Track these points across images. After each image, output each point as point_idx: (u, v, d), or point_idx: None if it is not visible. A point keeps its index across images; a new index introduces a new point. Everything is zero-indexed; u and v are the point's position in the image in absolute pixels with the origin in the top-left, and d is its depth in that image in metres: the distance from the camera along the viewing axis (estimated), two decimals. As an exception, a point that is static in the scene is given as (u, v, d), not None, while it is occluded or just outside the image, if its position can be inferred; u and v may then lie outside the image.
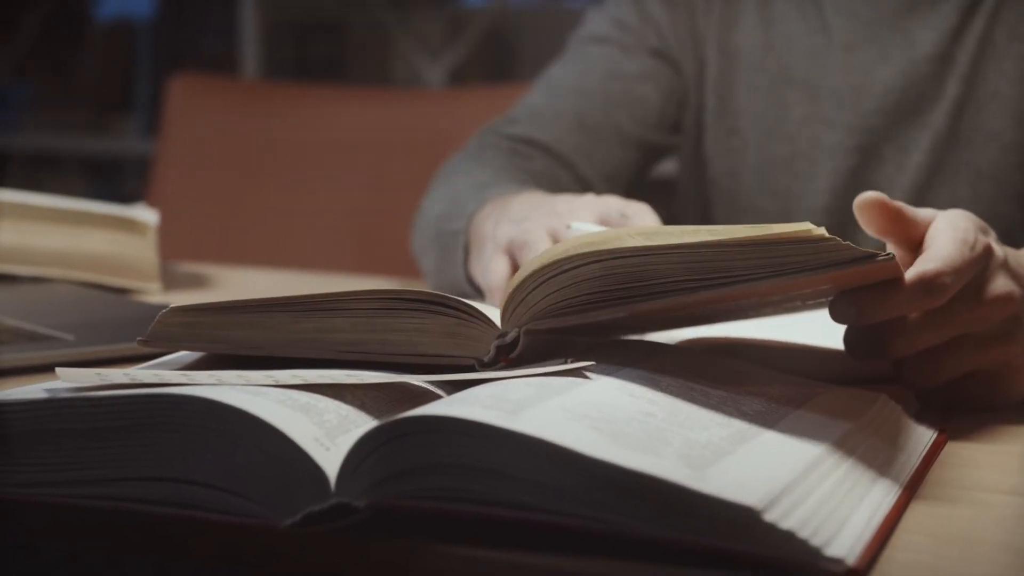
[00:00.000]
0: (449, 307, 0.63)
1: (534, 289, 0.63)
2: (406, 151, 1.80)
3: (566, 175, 1.20)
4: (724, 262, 0.60)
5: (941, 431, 0.68)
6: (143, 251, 1.19)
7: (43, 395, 0.57)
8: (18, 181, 1.36)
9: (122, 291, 1.17)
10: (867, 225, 0.70)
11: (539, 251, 0.85)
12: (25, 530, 0.57)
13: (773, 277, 0.60)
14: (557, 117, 1.21)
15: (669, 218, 1.33)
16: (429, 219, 1.10)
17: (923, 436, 0.66)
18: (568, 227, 0.85)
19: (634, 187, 1.30)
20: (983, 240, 0.70)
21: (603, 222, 0.88)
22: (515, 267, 0.88)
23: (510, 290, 0.64)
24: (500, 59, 2.75)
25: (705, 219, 1.27)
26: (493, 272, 0.89)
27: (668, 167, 1.51)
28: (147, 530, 0.54)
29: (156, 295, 1.17)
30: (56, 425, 0.56)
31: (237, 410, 0.53)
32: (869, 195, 0.69)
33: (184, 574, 0.55)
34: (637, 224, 0.87)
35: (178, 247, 1.48)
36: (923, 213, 0.71)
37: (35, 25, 3.09)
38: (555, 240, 0.86)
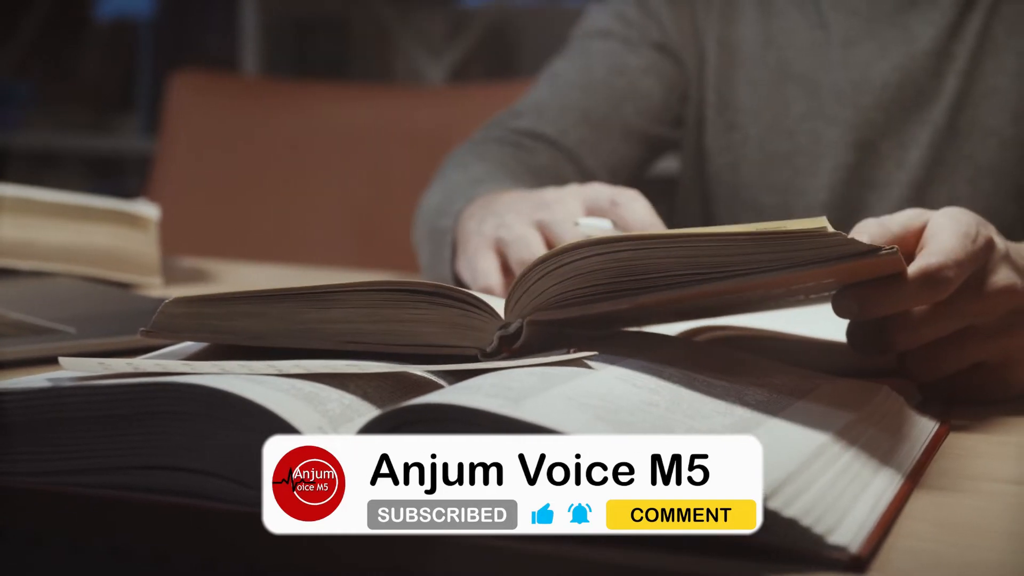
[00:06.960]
0: (452, 298, 0.63)
1: (538, 280, 0.63)
2: (406, 147, 1.80)
3: (571, 169, 1.20)
4: (727, 256, 0.60)
5: (943, 422, 0.68)
6: (144, 246, 1.19)
7: (46, 384, 0.57)
8: (20, 180, 1.36)
9: (123, 285, 1.17)
10: None
11: (530, 244, 0.85)
12: (28, 518, 0.56)
13: (776, 270, 0.60)
14: (563, 111, 1.22)
15: (669, 214, 1.33)
16: (425, 213, 1.10)
17: (926, 427, 0.66)
18: (576, 224, 0.85)
19: (635, 182, 1.30)
20: (984, 233, 0.70)
21: (593, 210, 0.88)
22: (504, 264, 0.88)
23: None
24: (500, 57, 2.75)
25: (706, 214, 1.27)
26: (480, 271, 0.88)
27: (670, 164, 1.51)
28: (150, 518, 0.54)
29: (157, 289, 1.17)
30: (58, 414, 0.56)
31: (241, 398, 0.53)
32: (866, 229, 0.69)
33: (187, 562, 0.55)
34: (628, 209, 0.87)
35: (179, 242, 1.48)
36: (914, 223, 0.70)
37: (36, 24, 3.09)
38: (544, 233, 0.86)
